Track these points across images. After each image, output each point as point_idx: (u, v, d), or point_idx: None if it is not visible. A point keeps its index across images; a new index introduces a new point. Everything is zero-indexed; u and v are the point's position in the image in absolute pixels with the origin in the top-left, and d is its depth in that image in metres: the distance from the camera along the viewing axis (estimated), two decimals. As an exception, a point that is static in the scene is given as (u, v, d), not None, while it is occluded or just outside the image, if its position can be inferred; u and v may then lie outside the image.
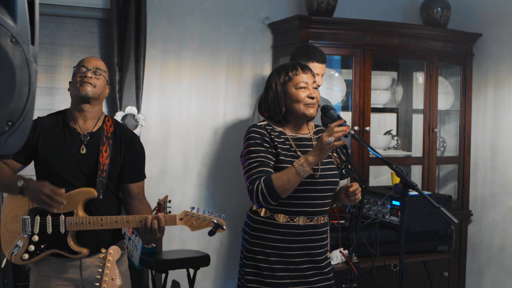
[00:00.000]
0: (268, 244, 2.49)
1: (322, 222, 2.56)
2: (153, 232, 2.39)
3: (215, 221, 2.39)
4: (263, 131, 2.50)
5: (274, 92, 2.53)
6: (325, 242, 2.60)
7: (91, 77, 2.53)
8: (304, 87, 2.49)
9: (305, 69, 2.55)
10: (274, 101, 2.52)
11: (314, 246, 2.54)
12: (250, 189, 2.41)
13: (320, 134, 2.66)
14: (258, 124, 2.55)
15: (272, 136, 2.49)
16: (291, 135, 2.55)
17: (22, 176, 2.46)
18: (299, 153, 2.50)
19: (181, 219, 2.41)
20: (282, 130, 2.54)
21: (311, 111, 2.51)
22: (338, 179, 2.61)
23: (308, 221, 2.51)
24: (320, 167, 2.50)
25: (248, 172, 2.45)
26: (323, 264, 2.56)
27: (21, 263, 2.50)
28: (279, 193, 2.36)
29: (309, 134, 2.61)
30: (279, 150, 2.47)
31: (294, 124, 2.57)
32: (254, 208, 2.56)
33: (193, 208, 2.42)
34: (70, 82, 2.62)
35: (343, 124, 2.34)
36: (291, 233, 2.49)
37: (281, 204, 2.46)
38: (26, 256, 2.48)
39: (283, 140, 2.51)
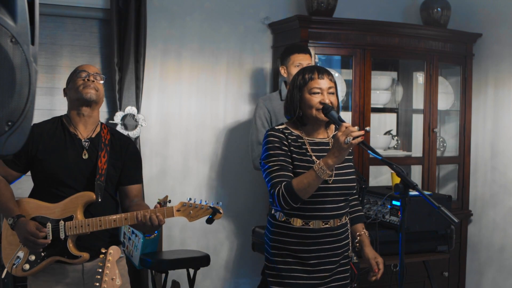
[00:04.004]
0: (285, 246, 2.53)
1: (338, 224, 2.56)
2: (153, 227, 2.41)
3: (212, 206, 2.37)
4: (281, 135, 2.51)
5: (291, 94, 2.55)
6: (343, 243, 2.60)
7: (94, 81, 2.55)
8: (318, 93, 2.47)
9: (322, 73, 2.50)
10: (290, 103, 2.54)
11: (330, 248, 2.54)
12: (272, 192, 2.45)
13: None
14: (276, 127, 2.56)
15: (290, 141, 2.51)
16: (308, 140, 2.54)
17: (13, 212, 2.47)
18: (314, 158, 2.50)
19: (178, 211, 2.40)
20: (299, 134, 2.54)
21: (323, 116, 2.49)
22: (354, 184, 2.60)
23: (323, 224, 2.52)
24: (335, 172, 2.50)
25: (269, 175, 2.48)
26: (338, 264, 2.58)
27: (22, 275, 2.50)
28: (300, 196, 2.40)
29: (327, 138, 2.60)
30: (294, 155, 2.49)
31: (311, 128, 2.56)
32: (273, 212, 2.60)
33: (190, 199, 2.41)
34: (65, 89, 2.63)
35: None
36: (306, 236, 2.51)
37: (296, 208, 2.48)
38: (27, 266, 2.47)
39: (299, 144, 2.52)
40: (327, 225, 2.52)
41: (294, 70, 3.65)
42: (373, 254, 2.71)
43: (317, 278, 2.53)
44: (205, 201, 2.42)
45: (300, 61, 3.66)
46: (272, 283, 2.57)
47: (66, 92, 2.63)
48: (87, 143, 2.56)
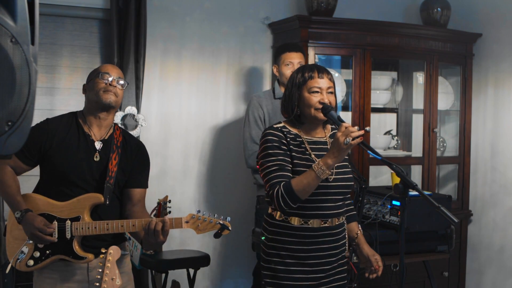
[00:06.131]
0: (283, 246, 2.50)
1: (336, 223, 2.55)
2: (155, 235, 2.36)
3: (221, 222, 2.39)
4: (279, 134, 2.49)
5: (289, 92, 2.53)
6: (340, 242, 2.59)
7: (115, 86, 2.54)
8: (317, 92, 2.46)
9: (322, 73, 2.50)
10: (288, 101, 2.52)
11: (328, 248, 2.53)
12: (270, 193, 2.42)
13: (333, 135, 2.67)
14: (275, 126, 2.54)
15: (288, 139, 2.48)
16: (306, 138, 2.53)
17: (21, 206, 2.47)
18: (313, 156, 2.50)
19: (187, 222, 2.39)
20: (297, 132, 2.53)
21: (323, 116, 2.48)
22: (352, 183, 2.61)
23: (322, 223, 2.50)
24: (335, 170, 2.50)
25: (267, 175, 2.45)
26: (336, 264, 2.56)
27: (26, 270, 2.50)
28: (299, 197, 2.38)
29: (325, 138, 2.59)
30: (293, 153, 2.47)
31: (309, 127, 2.55)
32: (270, 211, 2.57)
33: (199, 211, 2.41)
34: (85, 85, 2.61)
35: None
36: (305, 235, 2.49)
37: (295, 207, 2.45)
38: (31, 262, 2.47)
39: (298, 143, 2.50)
40: (326, 224, 2.51)
41: (285, 69, 3.69)
42: (372, 252, 2.71)
43: (315, 278, 2.50)
44: (215, 215, 2.41)
45: (291, 59, 3.67)
46: (269, 283, 2.52)
47: (85, 88, 2.62)
48: (100, 145, 2.56)
